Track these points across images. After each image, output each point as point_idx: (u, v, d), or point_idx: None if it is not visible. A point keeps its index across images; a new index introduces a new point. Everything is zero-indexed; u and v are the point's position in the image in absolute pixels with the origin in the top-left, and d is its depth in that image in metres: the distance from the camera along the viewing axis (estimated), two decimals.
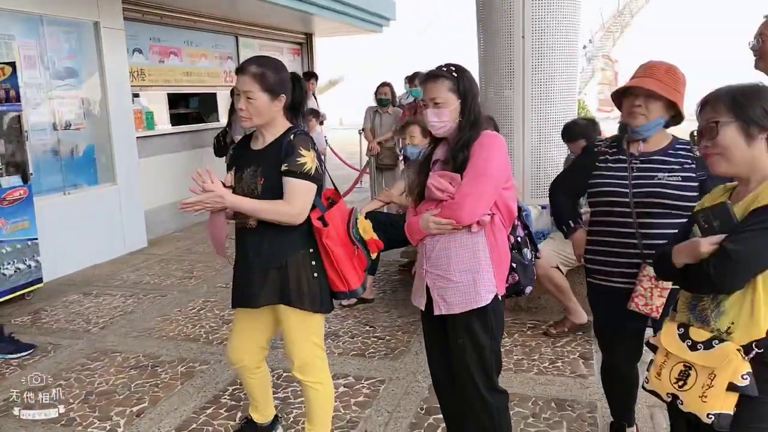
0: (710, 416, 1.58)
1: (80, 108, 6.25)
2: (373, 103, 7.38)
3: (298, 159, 2.28)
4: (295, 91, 2.41)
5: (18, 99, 4.91)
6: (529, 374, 3.46)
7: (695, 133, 1.71)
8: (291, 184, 2.28)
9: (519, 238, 2.39)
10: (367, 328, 4.26)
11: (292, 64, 10.99)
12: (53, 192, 5.87)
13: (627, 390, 2.60)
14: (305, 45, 11.47)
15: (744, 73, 2.64)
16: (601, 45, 23.38)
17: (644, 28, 26.89)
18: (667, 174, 2.25)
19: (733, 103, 1.60)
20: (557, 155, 4.55)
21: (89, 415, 3.17)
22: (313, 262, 2.40)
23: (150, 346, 4.07)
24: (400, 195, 4.53)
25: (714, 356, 1.59)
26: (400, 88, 8.05)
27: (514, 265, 2.33)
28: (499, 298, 2.26)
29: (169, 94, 8.17)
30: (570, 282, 3.96)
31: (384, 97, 7.18)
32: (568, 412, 3.04)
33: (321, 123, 8.35)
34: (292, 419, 3.08)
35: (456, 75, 2.23)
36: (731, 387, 1.56)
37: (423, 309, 2.36)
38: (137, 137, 6.90)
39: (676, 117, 2.29)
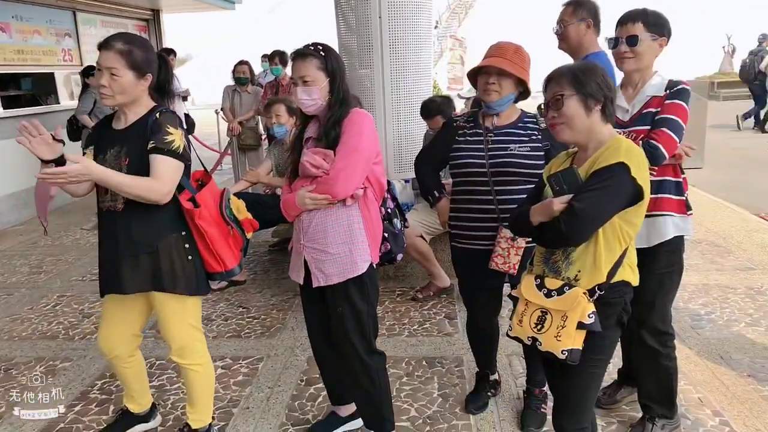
0: (564, 352, 1.83)
1: None
2: (230, 82, 7.18)
3: (165, 137, 2.23)
4: (161, 71, 2.34)
5: None
6: (401, 337, 3.68)
7: (542, 106, 1.95)
8: (159, 161, 2.22)
9: (389, 210, 2.54)
10: (241, 309, 4.24)
11: None
12: None
13: (489, 341, 2.88)
14: (152, 21, 10.80)
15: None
16: (447, 26, 24.42)
17: (485, 10, 28.49)
18: (517, 145, 2.51)
19: (574, 79, 1.85)
20: (417, 132, 4.77)
21: None
22: (187, 245, 2.37)
23: (0, 348, 3.74)
24: (267, 174, 4.52)
25: (565, 300, 1.85)
26: (257, 67, 7.89)
27: (386, 234, 2.48)
28: (374, 266, 2.40)
29: None
30: (433, 249, 4.23)
31: (243, 75, 7.02)
32: (438, 368, 3.29)
33: (185, 99, 7.97)
34: (170, 405, 3.02)
35: (324, 54, 2.30)
36: (580, 325, 1.82)
37: (301, 283, 2.44)
38: None
39: (524, 93, 2.55)
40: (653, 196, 2.18)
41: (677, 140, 2.24)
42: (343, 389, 2.69)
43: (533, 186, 2.18)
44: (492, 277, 2.62)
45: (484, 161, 2.52)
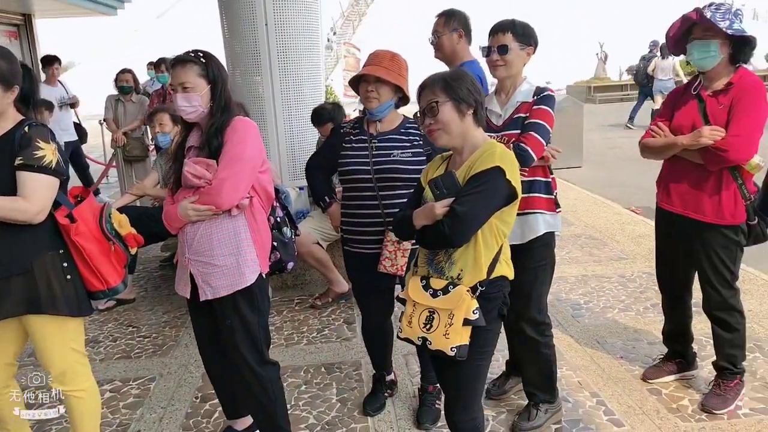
0: (453, 349, 1.91)
1: None
2: (114, 91, 6.84)
3: (35, 152, 2.10)
4: (26, 82, 2.21)
5: None
6: (300, 346, 3.67)
7: (418, 114, 2.02)
8: (27, 178, 2.09)
9: (278, 219, 2.54)
10: (131, 328, 4.05)
11: (10, 48, 9.57)
12: None
13: (383, 342, 2.94)
14: (24, 27, 10.07)
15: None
16: (342, 33, 24.58)
17: (378, 17, 29.01)
18: (400, 151, 2.59)
19: (446, 86, 1.94)
20: (310, 138, 4.78)
21: None
22: (65, 264, 2.24)
23: None
24: (154, 187, 4.36)
25: (451, 299, 1.93)
26: (143, 75, 7.58)
27: (275, 243, 2.47)
28: (263, 276, 2.38)
29: None
30: (330, 255, 4.25)
31: (126, 84, 6.70)
32: (337, 373, 3.31)
33: (73, 106, 7.48)
34: None
35: (204, 60, 2.26)
36: (466, 322, 1.91)
37: (188, 297, 2.38)
38: None
39: (403, 98, 2.64)
40: (525, 195, 2.32)
41: (544, 143, 2.42)
42: (237, 402, 2.65)
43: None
44: (381, 280, 2.68)
45: (369, 167, 2.58)
